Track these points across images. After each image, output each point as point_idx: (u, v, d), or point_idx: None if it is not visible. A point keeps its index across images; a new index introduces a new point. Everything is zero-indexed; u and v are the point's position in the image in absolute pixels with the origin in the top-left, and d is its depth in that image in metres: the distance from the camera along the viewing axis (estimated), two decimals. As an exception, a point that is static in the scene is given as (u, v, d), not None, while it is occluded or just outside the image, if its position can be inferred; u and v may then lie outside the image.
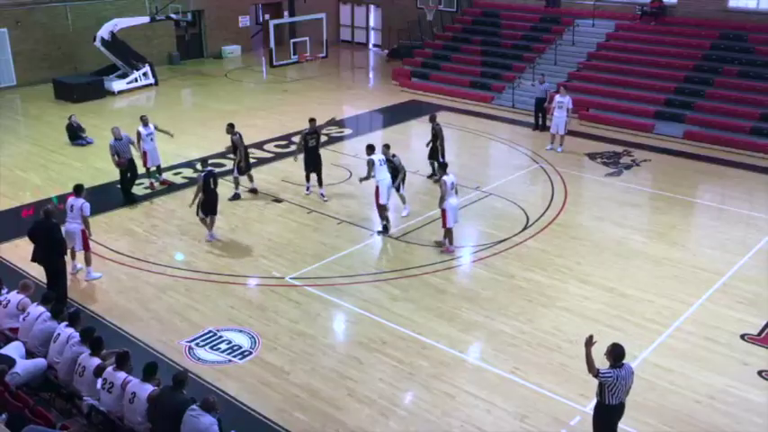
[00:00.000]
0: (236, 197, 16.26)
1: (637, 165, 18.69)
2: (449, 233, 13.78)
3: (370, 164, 14.36)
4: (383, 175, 14.38)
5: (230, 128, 16.12)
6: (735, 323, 11.43)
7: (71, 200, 12.61)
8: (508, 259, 13.58)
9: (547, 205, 16.03)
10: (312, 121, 16.30)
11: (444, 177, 13.52)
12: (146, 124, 16.51)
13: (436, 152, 16.97)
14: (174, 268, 13.30)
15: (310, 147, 16.11)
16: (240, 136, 16.06)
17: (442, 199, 13.49)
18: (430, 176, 17.32)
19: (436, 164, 16.61)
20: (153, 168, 16.80)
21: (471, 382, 10.07)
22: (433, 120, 17.29)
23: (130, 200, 16.08)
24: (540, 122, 21.27)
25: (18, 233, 13.85)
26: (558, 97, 19.46)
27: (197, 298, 12.28)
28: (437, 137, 16.97)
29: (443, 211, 13.54)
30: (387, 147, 15.18)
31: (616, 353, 7.92)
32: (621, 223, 15.12)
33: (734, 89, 21.40)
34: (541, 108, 21.01)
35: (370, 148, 14.69)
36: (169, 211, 15.79)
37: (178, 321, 11.58)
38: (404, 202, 15.36)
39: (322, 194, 16.33)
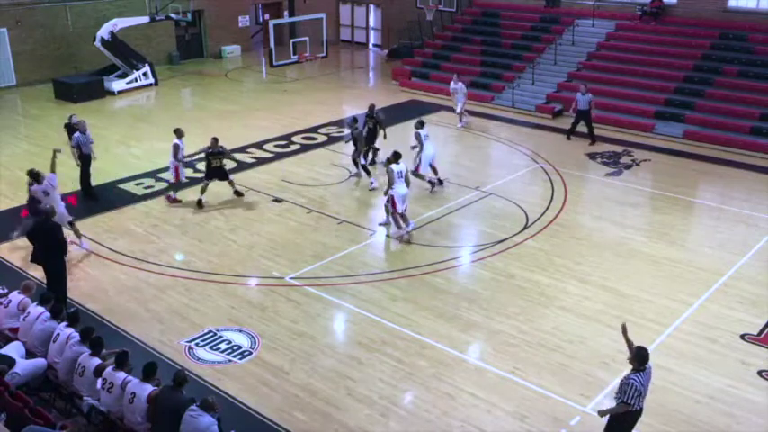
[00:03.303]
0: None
1: (637, 165, 18.69)
2: (396, 218, 14.25)
3: (418, 137, 16.27)
4: (428, 149, 16.30)
5: (214, 141, 15.78)
6: (735, 323, 11.44)
7: (39, 187, 13.12)
8: (508, 259, 13.58)
9: (547, 205, 16.03)
10: (372, 106, 17.83)
11: (393, 166, 14.08)
12: (180, 136, 15.80)
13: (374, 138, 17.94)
14: (174, 268, 13.30)
15: (370, 129, 17.46)
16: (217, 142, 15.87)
17: (390, 186, 14.03)
18: (372, 163, 17.92)
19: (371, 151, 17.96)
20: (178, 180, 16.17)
21: (471, 382, 10.07)
22: (371, 110, 18.02)
23: (91, 195, 16.29)
24: (589, 131, 20.22)
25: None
26: (452, 84, 21.71)
27: (197, 298, 12.28)
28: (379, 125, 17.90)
29: (391, 198, 14.06)
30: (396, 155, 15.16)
31: (641, 356, 7.83)
32: (621, 223, 15.12)
33: (734, 89, 21.39)
34: (585, 118, 20.07)
35: (421, 124, 16.60)
36: (169, 211, 15.79)
37: (178, 321, 11.58)
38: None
39: (374, 161, 17.75)
